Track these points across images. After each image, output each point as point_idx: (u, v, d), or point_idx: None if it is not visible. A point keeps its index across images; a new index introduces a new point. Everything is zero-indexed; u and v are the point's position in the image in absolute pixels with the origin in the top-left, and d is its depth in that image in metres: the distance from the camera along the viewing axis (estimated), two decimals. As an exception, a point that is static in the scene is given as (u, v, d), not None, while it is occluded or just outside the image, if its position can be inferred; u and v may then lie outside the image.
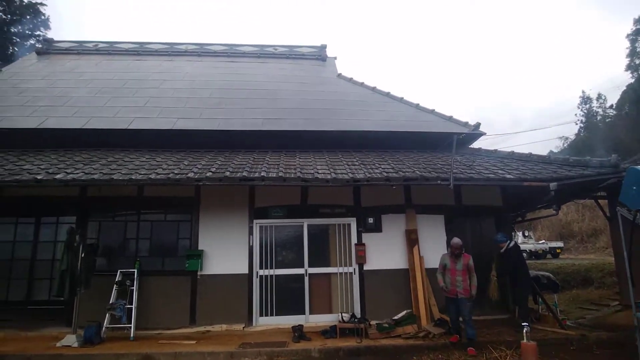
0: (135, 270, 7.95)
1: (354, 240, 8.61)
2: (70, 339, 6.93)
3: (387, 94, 11.93)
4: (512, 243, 7.87)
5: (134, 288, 7.79)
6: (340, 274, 8.51)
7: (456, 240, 7.03)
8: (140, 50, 15.14)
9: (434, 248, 8.56)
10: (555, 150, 43.35)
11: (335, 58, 15.74)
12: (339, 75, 13.59)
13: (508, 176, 7.72)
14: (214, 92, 11.61)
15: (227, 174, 7.27)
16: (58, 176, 7.03)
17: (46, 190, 7.94)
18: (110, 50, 15.06)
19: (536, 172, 7.92)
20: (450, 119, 10.47)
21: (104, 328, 7.39)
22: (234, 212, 8.51)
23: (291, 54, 15.57)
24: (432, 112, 10.85)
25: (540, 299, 8.59)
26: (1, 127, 9.12)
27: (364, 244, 8.53)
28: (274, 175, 7.28)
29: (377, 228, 8.62)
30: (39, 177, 6.97)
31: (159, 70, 13.46)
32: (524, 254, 9.38)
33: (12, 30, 30.65)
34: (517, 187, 7.86)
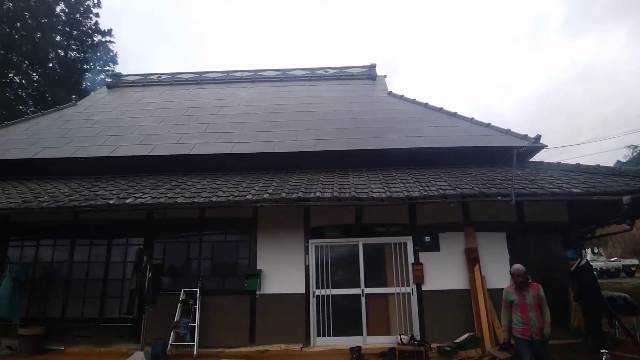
0: (198, 290, 8.20)
1: (411, 259, 8.40)
2: (139, 356, 7.22)
3: (440, 110, 11.72)
4: (584, 261, 7.34)
5: (197, 307, 8.03)
6: (398, 294, 8.31)
7: (517, 266, 5.52)
8: (199, 80, 15.96)
9: (496, 267, 8.16)
10: (623, 160, 40.39)
11: (385, 76, 15.75)
12: (390, 93, 13.55)
13: (575, 190, 7.26)
14: (269, 115, 11.95)
15: (284, 195, 7.39)
16: (128, 201, 7.48)
17: (117, 214, 8.45)
18: (172, 80, 16.00)
19: (606, 185, 7.39)
20: (507, 132, 10.08)
21: (169, 346, 7.65)
22: (290, 232, 8.61)
23: (341, 75, 15.76)
24: (488, 125, 10.51)
25: (616, 322, 7.90)
26: (77, 156, 9.90)
27: (421, 264, 8.30)
28: (329, 196, 7.31)
29: (434, 247, 8.37)
30: (111, 202, 7.45)
31: (217, 97, 14.10)
32: (595, 273, 8.67)
33: (85, 67, 33.51)
34: (586, 202, 7.36)
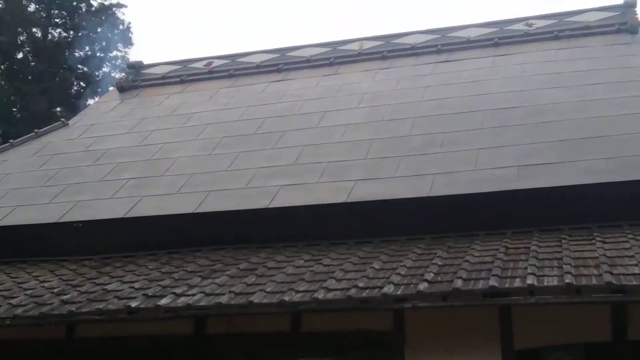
0: None
1: None
2: None
3: None
4: None
5: None
6: None
7: None
8: (281, 64, 16.89)
9: None
10: None
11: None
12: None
13: None
14: (417, 122, 12.19)
15: (459, 283, 7.32)
16: (162, 302, 7.92)
17: (143, 327, 9.02)
18: (232, 69, 17.22)
19: None
20: None
21: None
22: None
23: (561, 31, 15.52)
24: None
25: None
26: (72, 220, 10.93)
27: None
28: (554, 283, 7.09)
29: None
30: (133, 304, 7.94)
31: (315, 93, 14.82)
32: None
33: (77, 53, 36.84)
34: None
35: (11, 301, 8.80)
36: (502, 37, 15.81)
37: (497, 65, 14.48)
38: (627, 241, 8.40)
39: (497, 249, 8.63)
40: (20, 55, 35.34)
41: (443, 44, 16.08)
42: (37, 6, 36.44)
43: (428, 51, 16.04)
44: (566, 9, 16.43)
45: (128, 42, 37.66)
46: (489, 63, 14.69)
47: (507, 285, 7.23)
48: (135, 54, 37.21)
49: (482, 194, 9.52)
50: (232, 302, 7.77)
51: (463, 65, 14.84)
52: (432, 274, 7.82)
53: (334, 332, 8.85)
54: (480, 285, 7.28)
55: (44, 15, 36.58)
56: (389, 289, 7.52)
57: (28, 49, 35.37)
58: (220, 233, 10.48)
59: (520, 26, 16.07)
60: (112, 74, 36.12)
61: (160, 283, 8.76)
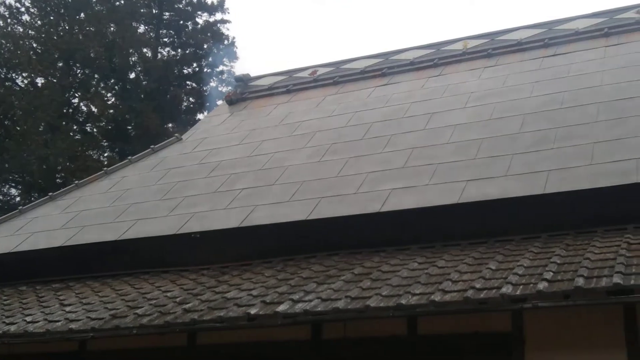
0: None
1: None
2: None
3: None
4: None
5: None
6: None
7: None
8: (385, 68, 16.97)
9: None
10: None
11: None
12: None
13: None
14: (528, 119, 11.98)
15: (580, 282, 7.10)
16: (280, 308, 8.01)
17: (260, 333, 9.15)
18: (336, 76, 17.43)
19: None
20: None
21: None
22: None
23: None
24: None
25: None
26: (190, 232, 11.29)
27: None
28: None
29: None
30: (252, 311, 8.08)
31: (421, 95, 14.83)
32: None
33: (185, 70, 37.97)
34: None
35: (137, 311, 9.13)
36: (613, 26, 15.29)
37: (609, 55, 14.02)
38: None
39: (619, 245, 8.33)
40: (132, 75, 36.66)
41: (550, 38, 15.72)
42: (146, 27, 37.82)
43: (535, 46, 15.74)
44: None
45: (233, 57, 38.58)
46: (600, 54, 14.24)
47: (632, 282, 6.95)
48: (240, 68, 38.04)
49: (599, 189, 9.21)
50: (349, 307, 7.77)
51: (572, 58, 14.47)
52: (551, 273, 7.61)
53: (451, 335, 8.73)
54: (604, 282, 7.02)
55: (153, 35, 37.89)
56: (507, 289, 7.36)
57: (139, 68, 36.63)
58: (333, 239, 10.59)
59: (631, 14, 15.49)
60: (220, 88, 37.05)
61: (277, 290, 8.87)
